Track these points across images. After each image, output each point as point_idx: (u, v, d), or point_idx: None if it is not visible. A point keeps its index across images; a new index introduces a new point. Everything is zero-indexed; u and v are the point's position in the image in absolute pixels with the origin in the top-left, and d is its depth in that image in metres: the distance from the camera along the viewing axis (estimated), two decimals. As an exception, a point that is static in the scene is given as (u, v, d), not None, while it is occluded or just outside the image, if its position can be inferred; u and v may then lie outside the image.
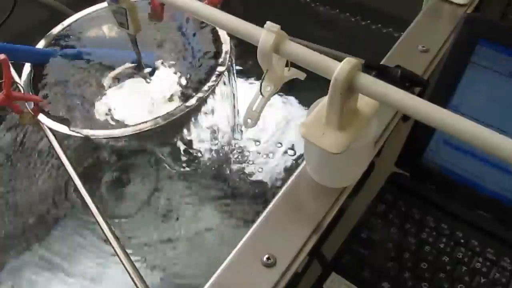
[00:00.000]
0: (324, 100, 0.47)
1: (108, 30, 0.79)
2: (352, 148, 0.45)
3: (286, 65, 0.51)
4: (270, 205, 0.52)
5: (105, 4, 0.79)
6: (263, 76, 0.49)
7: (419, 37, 0.70)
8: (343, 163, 0.49)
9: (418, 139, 0.59)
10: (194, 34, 0.76)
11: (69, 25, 0.80)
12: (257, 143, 0.89)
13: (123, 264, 0.55)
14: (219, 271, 0.48)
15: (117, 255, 0.55)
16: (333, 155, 0.44)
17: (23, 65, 0.74)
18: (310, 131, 0.46)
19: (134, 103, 0.70)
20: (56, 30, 0.79)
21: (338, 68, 0.41)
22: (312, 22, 0.92)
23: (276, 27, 0.45)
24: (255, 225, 0.51)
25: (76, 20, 0.81)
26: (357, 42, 0.89)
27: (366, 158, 0.51)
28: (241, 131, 0.89)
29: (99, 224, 0.56)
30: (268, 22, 0.45)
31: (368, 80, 0.41)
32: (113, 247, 0.56)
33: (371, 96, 0.41)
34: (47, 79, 0.72)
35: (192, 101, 0.66)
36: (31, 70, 0.73)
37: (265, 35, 0.45)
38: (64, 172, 0.63)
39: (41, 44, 0.77)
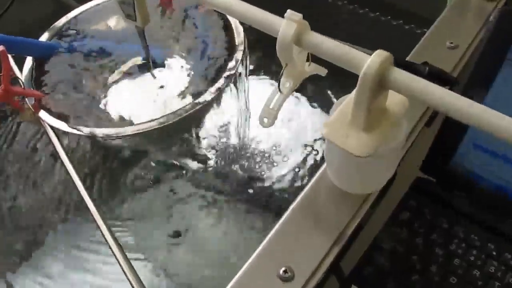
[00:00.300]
0: (349, 97, 0.43)
1: (115, 23, 0.76)
2: (379, 152, 0.41)
3: (307, 60, 0.47)
4: (287, 212, 0.48)
5: (110, -4, 0.76)
6: (282, 71, 0.45)
7: (446, 33, 0.66)
8: (369, 167, 0.45)
9: (446, 142, 0.55)
10: (206, 28, 0.72)
11: (74, 18, 0.77)
12: (273, 143, 0.85)
13: (122, 268, 0.51)
14: (231, 283, 0.44)
15: (117, 259, 0.52)
16: (358, 158, 0.40)
17: (25, 59, 0.70)
18: (333, 131, 0.42)
19: (141, 100, 0.66)
20: (60, 22, 0.76)
21: (369, 61, 0.37)
22: (328, 18, 0.88)
23: (298, 16, 0.41)
24: (270, 234, 0.47)
25: (81, 13, 0.77)
26: (377, 38, 0.84)
27: (393, 163, 0.47)
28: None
29: (99, 227, 0.52)
30: (289, 11, 0.41)
31: (403, 75, 0.36)
32: (112, 251, 0.52)
33: (406, 93, 0.37)
34: (50, 74, 0.68)
35: (203, 99, 0.62)
36: (32, 64, 0.70)
37: (285, 25, 0.41)
38: (66, 172, 0.59)
39: (44, 37, 0.74)
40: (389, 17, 0.88)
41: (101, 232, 0.52)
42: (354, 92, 0.41)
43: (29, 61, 0.70)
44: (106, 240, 0.52)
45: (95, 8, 0.78)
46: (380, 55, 0.37)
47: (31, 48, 0.69)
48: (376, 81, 0.37)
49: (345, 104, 0.43)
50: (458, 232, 0.51)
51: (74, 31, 0.75)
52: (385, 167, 0.47)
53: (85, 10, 0.77)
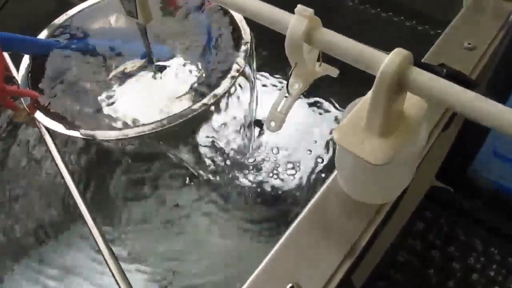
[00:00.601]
0: (364, 100, 0.40)
1: (117, 21, 0.73)
2: (397, 159, 0.38)
3: (317, 60, 0.44)
4: (295, 223, 0.45)
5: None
6: (290, 71, 0.42)
7: (463, 34, 0.64)
8: (384, 176, 0.41)
9: (464, 149, 0.53)
10: (211, 27, 0.69)
11: (74, 15, 0.74)
12: (279, 149, 0.82)
13: (115, 279, 0.48)
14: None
15: (110, 270, 0.49)
16: (374, 166, 0.37)
17: (22, 57, 0.67)
18: (346, 137, 0.38)
19: (143, 101, 0.63)
20: (60, 19, 0.73)
21: (387, 60, 0.34)
22: (339, 18, 0.85)
23: (309, 11, 0.38)
24: (277, 247, 0.43)
25: (82, 10, 0.74)
26: (390, 39, 0.81)
27: (410, 171, 0.44)
28: (261, 130, 0.81)
29: (93, 237, 0.49)
30: (299, 6, 0.38)
31: (424, 76, 0.33)
32: (105, 261, 0.49)
33: (427, 95, 0.33)
34: (47, 73, 0.66)
35: (207, 100, 0.59)
36: (29, 63, 0.67)
37: (295, 21, 0.38)
38: (61, 176, 0.56)
39: (43, 35, 0.71)
40: (402, 17, 0.85)
41: (95, 240, 0.49)
42: (369, 93, 0.38)
43: (26, 60, 0.67)
44: (99, 249, 0.49)
45: (96, 5, 0.75)
46: (399, 53, 0.34)
47: (29, 46, 0.67)
48: (395, 81, 0.34)
49: (359, 107, 0.40)
50: (476, 244, 0.49)
51: (74, 29, 0.72)
52: (402, 176, 0.43)
53: (86, 8, 0.75)
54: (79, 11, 0.74)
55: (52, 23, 0.72)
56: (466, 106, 0.32)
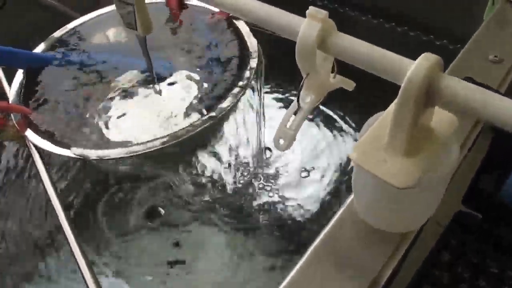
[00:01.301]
0: (385, 114, 0.36)
1: (116, 35, 0.69)
2: (424, 181, 0.33)
3: (332, 71, 0.40)
4: (307, 254, 0.40)
5: (113, 7, 0.70)
6: (302, 82, 0.37)
7: (487, 47, 0.60)
8: (409, 201, 0.36)
9: (493, 170, 0.50)
10: (215, 40, 0.65)
11: (73, 29, 0.71)
12: (287, 170, 0.77)
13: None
14: None
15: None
16: (398, 190, 0.32)
17: (16, 71, 0.64)
18: (366, 156, 0.34)
19: (142, 118, 0.59)
20: (58, 33, 0.69)
21: (414, 66, 0.29)
22: (352, 33, 0.81)
23: (322, 13, 0.33)
24: (286, 281, 0.38)
25: (81, 24, 0.71)
26: (407, 54, 0.77)
27: (438, 195, 0.38)
28: (269, 150, 0.77)
29: (82, 275, 0.44)
30: (311, 7, 0.34)
31: (458, 84, 0.28)
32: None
33: (463, 107, 0.29)
34: (41, 88, 0.62)
35: (210, 116, 0.55)
36: (23, 77, 0.63)
37: (307, 24, 0.34)
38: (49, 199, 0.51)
39: (40, 48, 0.68)
40: (419, 32, 0.81)
41: (80, 270, 0.44)
42: (392, 106, 0.34)
43: (19, 74, 0.64)
44: (84, 280, 0.43)
45: (96, 19, 0.72)
46: (428, 58, 0.29)
47: (22, 60, 0.63)
48: (423, 91, 0.29)
49: (380, 122, 0.35)
50: (510, 278, 0.44)
51: (72, 42, 0.68)
52: (429, 200, 0.38)
53: (85, 22, 0.72)
54: (78, 25, 0.71)
55: (50, 36, 0.69)
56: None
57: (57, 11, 0.78)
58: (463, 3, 0.78)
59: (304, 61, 0.35)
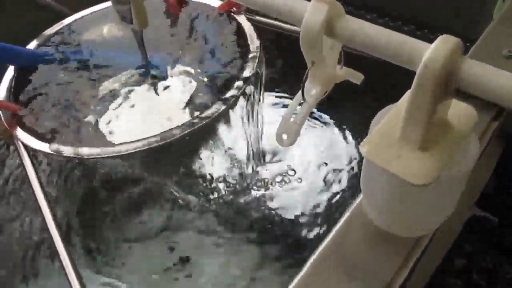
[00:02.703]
0: (398, 105, 0.33)
1: (111, 32, 0.67)
2: (442, 178, 0.30)
3: (338, 62, 0.37)
4: (311, 260, 0.36)
5: (107, 3, 0.67)
6: (306, 72, 0.34)
7: (500, 42, 0.57)
8: (425, 200, 0.33)
9: (509, 171, 0.46)
10: (216, 35, 0.62)
11: (67, 25, 0.68)
12: (289, 169, 0.74)
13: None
14: None
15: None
16: (413, 188, 0.29)
17: (7, 67, 0.61)
18: (377, 151, 0.31)
19: (137, 116, 0.56)
20: (51, 30, 0.67)
21: (431, 49, 0.26)
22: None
23: (329, -5, 0.30)
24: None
25: (75, 20, 0.69)
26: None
27: (456, 194, 0.35)
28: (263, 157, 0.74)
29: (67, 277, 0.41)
30: (317, -11, 0.31)
31: (484, 69, 0.26)
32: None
33: (489, 94, 0.26)
34: (33, 85, 0.59)
35: (208, 114, 0.52)
36: (14, 74, 0.61)
37: (313, 8, 0.31)
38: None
39: (32, 45, 0.65)
40: (426, 30, 0.78)
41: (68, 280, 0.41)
42: (406, 96, 0.31)
43: (10, 71, 0.61)
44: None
45: (90, 15, 0.69)
46: (447, 41, 0.26)
47: (14, 56, 0.60)
48: (442, 78, 0.26)
49: (393, 113, 0.32)
50: None
51: (66, 39, 0.66)
52: (446, 200, 0.35)
53: (80, 18, 0.69)
54: (72, 22, 0.68)
55: (43, 33, 0.67)
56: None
57: (57, 11, 0.76)
58: (471, 1, 0.76)
59: (309, 48, 0.32)
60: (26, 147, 0.52)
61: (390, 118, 0.32)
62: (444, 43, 0.26)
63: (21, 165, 0.51)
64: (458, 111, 0.32)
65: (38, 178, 0.49)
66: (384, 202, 0.35)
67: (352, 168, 0.76)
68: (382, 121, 0.32)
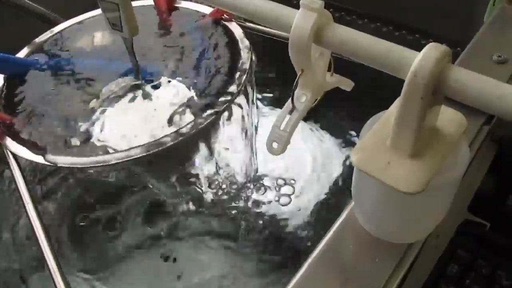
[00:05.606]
0: (387, 113, 0.33)
1: (103, 40, 0.66)
2: (433, 186, 0.30)
3: (328, 69, 0.37)
4: (304, 267, 0.36)
5: (98, 11, 0.67)
6: (296, 79, 0.34)
7: (490, 47, 0.58)
8: (416, 207, 0.33)
9: (503, 176, 0.47)
10: (207, 42, 0.62)
11: (58, 33, 0.68)
12: (281, 179, 0.74)
13: None
14: None
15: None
16: (404, 196, 0.29)
17: None
18: (367, 159, 0.31)
19: (128, 125, 0.56)
20: (42, 37, 0.67)
21: (419, 57, 0.26)
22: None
23: (317, 3, 0.30)
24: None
25: (66, 28, 0.68)
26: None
27: (446, 201, 0.35)
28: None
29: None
30: (305, -5, 0.31)
31: (470, 76, 0.26)
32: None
33: (476, 101, 0.26)
34: (23, 94, 0.59)
35: (200, 121, 0.52)
36: (4, 83, 0.60)
37: (301, 15, 0.31)
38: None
39: (22, 53, 0.65)
40: (417, 35, 0.79)
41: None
42: (395, 103, 0.31)
43: (0, 79, 0.61)
44: None
45: (82, 23, 0.69)
46: (436, 48, 0.26)
47: (2, 64, 0.60)
48: (431, 85, 0.26)
49: (381, 122, 0.32)
50: None
51: (57, 47, 0.65)
52: (437, 207, 0.35)
53: (71, 25, 0.69)
54: (63, 29, 0.68)
55: (33, 40, 0.66)
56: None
57: (47, 18, 0.76)
58: (461, 7, 0.77)
59: (298, 56, 0.32)
60: (15, 156, 0.52)
61: (380, 126, 0.32)
62: (432, 51, 0.26)
63: (12, 177, 0.50)
64: (448, 118, 0.32)
65: (29, 190, 0.48)
66: (375, 209, 0.35)
67: (340, 176, 0.76)
68: (371, 129, 0.33)
